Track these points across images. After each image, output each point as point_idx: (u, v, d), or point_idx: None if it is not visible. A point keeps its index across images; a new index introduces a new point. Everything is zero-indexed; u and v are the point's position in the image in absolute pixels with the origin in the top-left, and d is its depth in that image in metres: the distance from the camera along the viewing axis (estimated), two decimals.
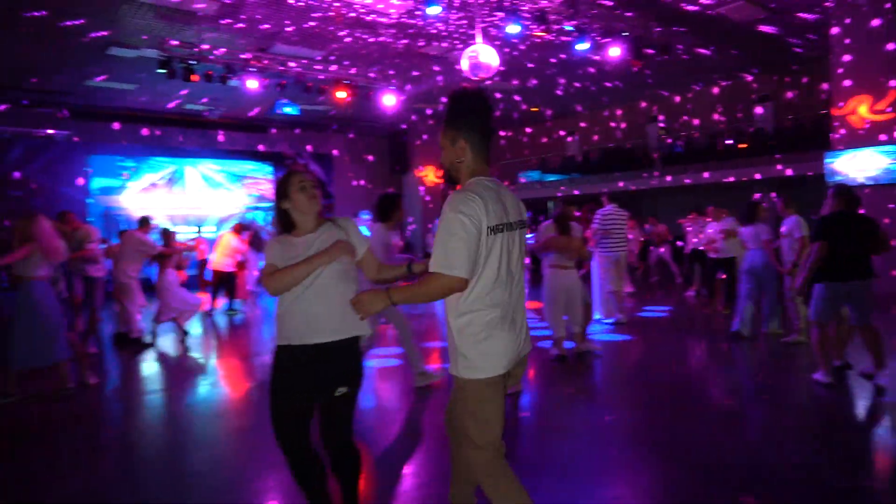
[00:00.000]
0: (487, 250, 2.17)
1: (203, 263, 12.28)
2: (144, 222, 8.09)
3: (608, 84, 14.31)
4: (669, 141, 15.90)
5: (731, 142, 14.65)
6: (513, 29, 9.32)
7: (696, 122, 15.79)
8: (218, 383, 5.99)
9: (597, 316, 7.97)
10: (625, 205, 8.45)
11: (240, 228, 10.79)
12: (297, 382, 2.44)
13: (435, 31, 10.70)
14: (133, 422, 4.88)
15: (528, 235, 9.91)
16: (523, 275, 2.38)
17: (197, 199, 16.60)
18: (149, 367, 6.74)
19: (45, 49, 10.72)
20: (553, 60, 12.27)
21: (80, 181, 14.93)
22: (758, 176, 13.12)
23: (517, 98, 15.44)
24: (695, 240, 10.13)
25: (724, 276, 8.53)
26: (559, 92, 14.96)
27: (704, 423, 4.28)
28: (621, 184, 15.66)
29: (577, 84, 14.32)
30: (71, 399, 5.24)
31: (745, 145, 14.16)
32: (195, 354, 7.26)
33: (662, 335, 7.70)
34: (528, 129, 19.67)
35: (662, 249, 12.88)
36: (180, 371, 6.61)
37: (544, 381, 5.60)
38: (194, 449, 4.19)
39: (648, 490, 3.27)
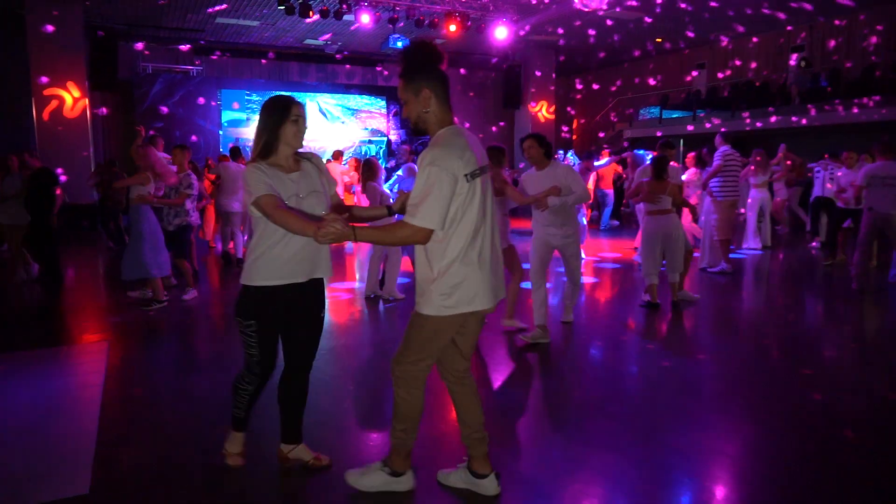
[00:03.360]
0: (469, 198, 2.28)
1: None
2: (236, 152, 8.68)
3: (748, 11, 13.00)
4: (810, 73, 14.28)
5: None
6: None
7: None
8: None
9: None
10: (757, 146, 7.87)
11: (338, 155, 11.24)
12: (282, 313, 2.60)
13: None
14: None
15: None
16: (495, 218, 2.49)
17: (315, 132, 17.34)
18: None
19: None
20: None
21: (211, 113, 16.05)
22: None
23: (635, 26, 14.48)
24: (829, 185, 9.19)
25: (848, 225, 7.89)
26: (686, 21, 13.81)
27: (788, 381, 4.07)
28: (748, 121, 14.41)
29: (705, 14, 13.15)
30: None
31: None
32: None
33: (770, 287, 7.24)
34: (649, 63, 18.45)
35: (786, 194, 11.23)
36: None
37: (634, 328, 5.52)
38: None
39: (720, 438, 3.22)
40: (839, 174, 8.07)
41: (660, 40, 16.06)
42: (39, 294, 7.00)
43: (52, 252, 6.89)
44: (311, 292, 2.64)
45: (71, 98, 13.07)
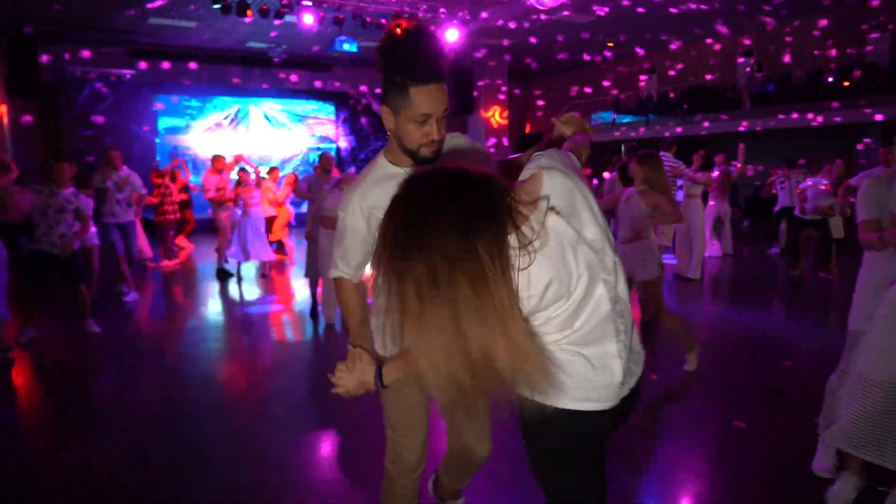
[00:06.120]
0: None
1: None
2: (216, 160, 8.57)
3: (692, 10, 12.89)
4: (760, 76, 14.32)
5: (832, 79, 12.96)
6: None
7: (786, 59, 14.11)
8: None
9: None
10: (711, 151, 7.60)
11: (273, 170, 10.57)
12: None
13: None
14: None
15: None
16: None
17: (260, 140, 16.55)
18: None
19: None
20: None
21: (147, 120, 15.10)
22: (879, 117, 11.44)
23: (587, 34, 14.27)
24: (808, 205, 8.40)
25: (815, 234, 7.67)
26: (635, 25, 13.64)
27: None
28: (706, 125, 14.37)
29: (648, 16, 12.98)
30: None
31: (847, 84, 12.46)
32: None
33: (743, 298, 6.97)
34: (601, 67, 18.34)
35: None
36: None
37: None
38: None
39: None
40: (809, 183, 7.70)
41: (611, 45, 15.90)
42: None
43: None
44: None
45: None
